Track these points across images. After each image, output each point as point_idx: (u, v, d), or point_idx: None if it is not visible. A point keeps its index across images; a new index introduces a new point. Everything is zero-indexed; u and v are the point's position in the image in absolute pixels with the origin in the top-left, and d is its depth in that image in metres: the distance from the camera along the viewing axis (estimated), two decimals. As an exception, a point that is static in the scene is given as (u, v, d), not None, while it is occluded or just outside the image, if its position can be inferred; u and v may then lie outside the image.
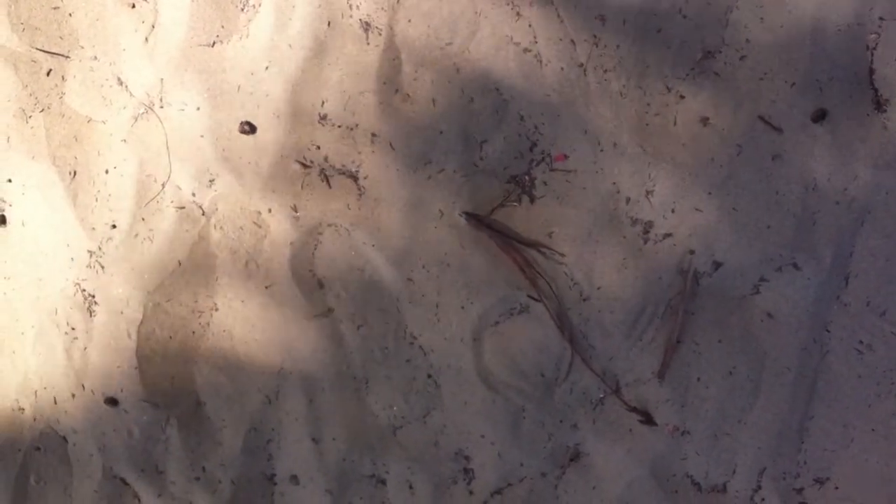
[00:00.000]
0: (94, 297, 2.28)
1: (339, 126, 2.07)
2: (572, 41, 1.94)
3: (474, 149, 2.02)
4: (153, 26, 2.13)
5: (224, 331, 2.23)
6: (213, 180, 2.16)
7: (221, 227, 2.18)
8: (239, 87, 2.10)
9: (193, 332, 2.25)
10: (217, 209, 2.17)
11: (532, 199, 2.02)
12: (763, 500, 2.01)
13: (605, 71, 1.94)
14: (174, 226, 2.20)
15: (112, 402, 2.32)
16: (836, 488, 1.97)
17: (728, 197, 1.92)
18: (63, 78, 2.22)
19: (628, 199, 1.97)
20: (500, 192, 2.03)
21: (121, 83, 2.18)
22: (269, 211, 2.14)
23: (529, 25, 1.95)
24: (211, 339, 2.24)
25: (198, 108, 2.13)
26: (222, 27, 2.09)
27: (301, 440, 2.24)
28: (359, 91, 2.05)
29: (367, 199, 2.09)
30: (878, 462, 1.94)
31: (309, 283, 2.16)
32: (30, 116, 2.25)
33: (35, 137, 2.25)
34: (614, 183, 1.97)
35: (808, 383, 1.95)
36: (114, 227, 2.23)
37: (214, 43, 2.10)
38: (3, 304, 2.38)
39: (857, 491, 1.96)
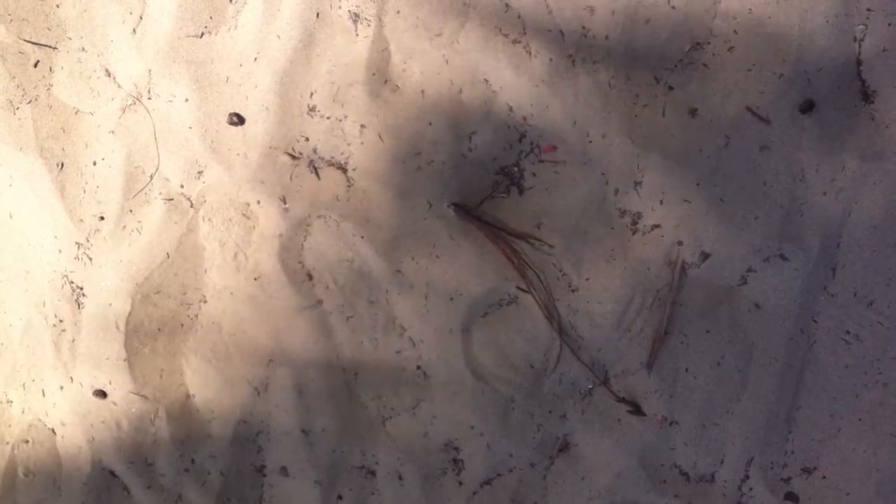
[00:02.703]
0: (82, 288, 2.28)
1: (328, 117, 2.07)
2: (561, 32, 1.94)
3: (463, 140, 2.02)
4: (141, 17, 2.12)
5: (213, 323, 2.23)
6: (202, 172, 2.15)
7: (210, 219, 2.17)
8: (227, 79, 2.10)
9: (182, 325, 2.25)
10: (205, 201, 2.17)
11: (521, 191, 2.02)
12: (751, 489, 2.02)
13: (594, 62, 1.94)
14: (162, 217, 2.19)
15: (101, 394, 2.32)
16: (824, 478, 1.98)
17: (716, 188, 1.93)
18: (50, 69, 2.21)
19: (617, 191, 1.98)
20: (488, 184, 2.03)
21: (108, 74, 2.17)
22: (258, 202, 2.14)
23: (518, 16, 1.95)
24: (200, 331, 2.24)
25: (186, 100, 2.12)
26: (210, 18, 2.08)
27: (290, 432, 2.24)
28: (347, 82, 2.05)
29: (356, 190, 2.09)
30: (865, 451, 1.95)
31: (298, 274, 2.16)
32: (17, 108, 2.24)
33: (22, 129, 2.24)
34: (603, 174, 1.98)
35: (796, 374, 1.96)
36: (102, 218, 2.22)
37: (203, 34, 2.09)
38: (-9, 297, 2.38)
39: (845, 480, 1.97)
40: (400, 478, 2.20)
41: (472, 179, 2.04)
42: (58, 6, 2.17)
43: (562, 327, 2.06)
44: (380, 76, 2.03)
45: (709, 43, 1.90)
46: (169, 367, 2.28)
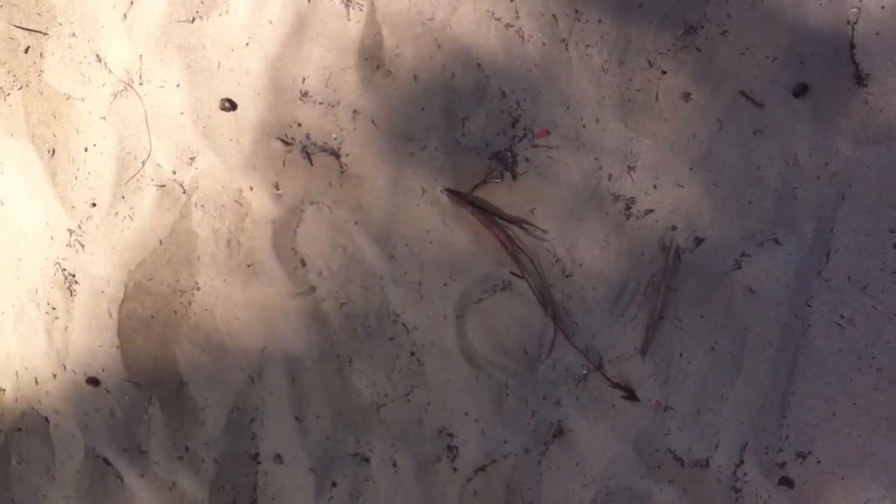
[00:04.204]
0: (74, 276, 2.27)
1: (321, 103, 2.06)
2: (554, 16, 1.93)
3: (456, 125, 2.02)
4: (132, 2, 2.11)
5: (206, 310, 2.22)
6: (194, 158, 2.15)
7: (202, 206, 2.17)
8: (219, 64, 2.09)
9: (175, 312, 2.25)
10: (198, 187, 2.16)
11: (514, 176, 2.02)
12: (745, 474, 2.02)
13: (587, 46, 1.93)
14: (155, 204, 2.19)
15: (94, 382, 2.32)
16: (818, 462, 1.98)
17: (709, 172, 1.92)
18: (41, 55, 2.20)
19: (610, 175, 1.97)
20: (482, 169, 2.03)
21: (99, 60, 2.16)
22: (251, 189, 2.13)
23: (511, 0, 1.94)
24: (193, 318, 2.24)
25: (177, 85, 2.11)
26: (202, 3, 2.08)
27: (284, 419, 2.23)
28: (340, 67, 2.04)
29: (348, 176, 2.08)
30: (859, 436, 1.95)
31: (291, 261, 2.15)
32: (8, 94, 2.23)
33: (13, 115, 2.23)
34: (596, 159, 1.97)
35: (790, 358, 1.96)
36: (94, 205, 2.22)
37: (194, 19, 2.09)
38: (-17, 285, 2.38)
39: (839, 465, 1.97)
40: (394, 465, 2.20)
41: (466, 165, 2.03)
42: (48, -9, 2.17)
43: (556, 313, 2.05)
44: (372, 61, 2.03)
45: (702, 27, 1.89)
46: (162, 355, 2.27)
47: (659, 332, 2.02)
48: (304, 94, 2.07)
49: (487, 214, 2.03)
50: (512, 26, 1.96)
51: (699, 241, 1.96)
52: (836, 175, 1.87)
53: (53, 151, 2.22)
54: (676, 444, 2.05)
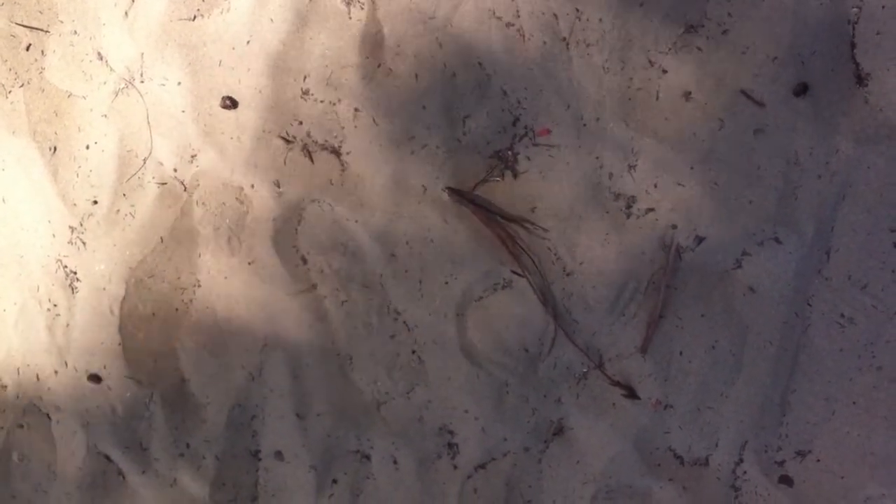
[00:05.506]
0: (75, 273, 2.27)
1: (322, 101, 2.06)
2: (555, 15, 1.93)
3: (457, 124, 2.02)
4: (133, 0, 2.11)
5: (207, 307, 2.22)
6: (195, 156, 2.15)
7: (203, 203, 2.17)
8: (220, 62, 2.09)
9: (176, 309, 2.25)
10: (199, 185, 2.16)
11: (515, 175, 2.02)
12: (745, 472, 2.02)
13: (588, 45, 1.93)
14: (156, 202, 2.19)
15: (95, 378, 2.32)
16: (818, 461, 1.99)
17: (710, 171, 1.92)
18: (43, 53, 2.20)
19: (611, 174, 1.97)
20: (483, 168, 2.03)
21: (101, 58, 2.16)
22: (252, 186, 2.13)
23: (512, -1, 1.95)
24: (194, 315, 2.24)
25: (179, 83, 2.11)
26: (203, 1, 2.08)
27: (285, 416, 2.24)
28: (341, 65, 2.04)
29: (349, 174, 2.09)
30: (859, 435, 1.95)
31: (292, 258, 2.15)
32: (9, 91, 2.23)
33: (15, 112, 2.24)
34: (597, 158, 1.97)
35: (790, 357, 1.96)
36: (95, 202, 2.22)
37: (195, 17, 2.09)
38: (-15, 282, 2.38)
39: (839, 463, 1.98)
40: (395, 462, 2.20)
41: (467, 163, 2.03)
42: (49, -11, 2.17)
43: (556, 311, 2.05)
44: (373, 59, 2.03)
45: (703, 26, 1.89)
46: (163, 352, 2.28)
47: (659, 331, 2.02)
48: (305, 92, 2.07)
49: (488, 213, 2.03)
50: (513, 25, 1.95)
51: (700, 239, 1.96)
52: (837, 174, 1.87)
53: (55, 149, 2.22)
54: (676, 442, 2.05)
